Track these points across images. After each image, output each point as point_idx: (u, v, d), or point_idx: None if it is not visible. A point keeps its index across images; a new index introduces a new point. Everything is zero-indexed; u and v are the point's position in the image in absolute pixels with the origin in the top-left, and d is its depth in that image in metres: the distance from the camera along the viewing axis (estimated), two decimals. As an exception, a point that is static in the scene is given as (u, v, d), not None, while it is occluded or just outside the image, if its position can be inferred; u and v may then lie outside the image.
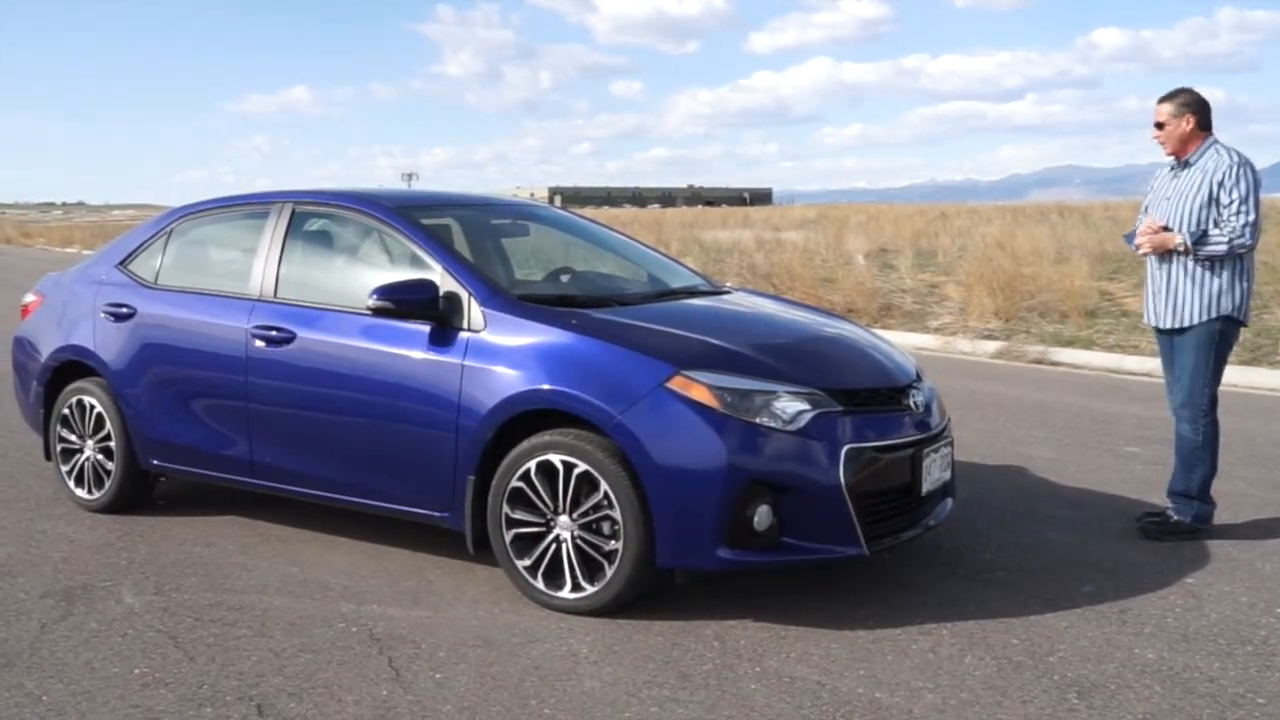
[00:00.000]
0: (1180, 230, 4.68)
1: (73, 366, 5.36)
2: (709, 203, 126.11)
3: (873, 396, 4.08)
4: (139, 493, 5.32)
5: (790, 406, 3.83)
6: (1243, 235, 4.56)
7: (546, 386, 3.96)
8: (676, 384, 3.80)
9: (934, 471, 4.18)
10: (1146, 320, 4.95)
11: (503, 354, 4.09)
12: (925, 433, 4.15)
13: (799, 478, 3.78)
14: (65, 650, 3.70)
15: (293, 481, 4.72)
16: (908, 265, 15.95)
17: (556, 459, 3.91)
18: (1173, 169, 4.87)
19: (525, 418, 4.02)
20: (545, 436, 3.96)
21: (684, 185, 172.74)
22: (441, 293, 4.25)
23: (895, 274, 15.44)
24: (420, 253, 4.43)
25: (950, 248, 18.36)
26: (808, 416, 3.83)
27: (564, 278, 5.16)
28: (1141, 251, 4.86)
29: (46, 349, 5.48)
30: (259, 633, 3.84)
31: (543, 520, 3.99)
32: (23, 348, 5.70)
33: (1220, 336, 4.73)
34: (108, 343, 5.21)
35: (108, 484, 5.27)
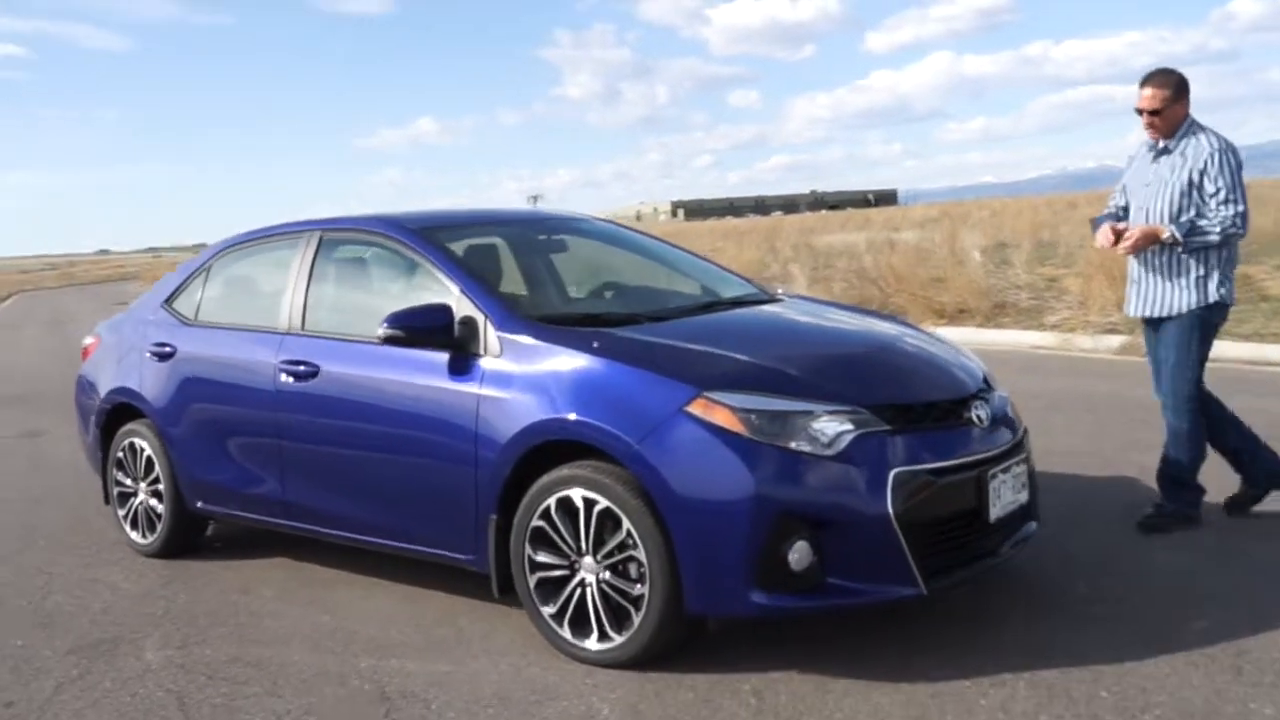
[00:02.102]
0: (1161, 218, 4.44)
1: (124, 408, 5.28)
2: (832, 207, 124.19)
3: (927, 412, 3.62)
4: (190, 536, 5.20)
5: (830, 427, 3.41)
6: (1234, 225, 4.36)
7: (562, 415, 3.64)
8: (697, 407, 3.42)
9: (1005, 494, 3.69)
10: (1131, 311, 4.69)
11: (519, 381, 3.78)
12: (992, 450, 3.66)
13: (841, 509, 3.35)
14: (71, 713, 3.53)
15: (323, 523, 4.51)
16: (1026, 259, 15.11)
17: (577, 495, 3.58)
18: (1152, 151, 4.59)
19: (545, 450, 3.69)
20: (565, 470, 3.62)
21: (807, 191, 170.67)
22: (459, 318, 3.97)
23: (1013, 270, 14.63)
24: (439, 276, 4.16)
25: (1072, 239, 17.35)
26: (849, 438, 3.40)
27: (608, 294, 4.84)
28: (1123, 251, 4.53)
29: (102, 390, 5.43)
30: (269, 691, 3.61)
31: (566, 563, 3.65)
32: (83, 389, 5.66)
33: (1207, 323, 4.55)
34: (153, 383, 5.11)
35: (159, 528, 5.17)
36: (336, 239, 4.68)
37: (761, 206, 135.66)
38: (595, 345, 3.72)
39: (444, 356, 3.95)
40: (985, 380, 3.99)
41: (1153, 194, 4.55)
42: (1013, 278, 13.96)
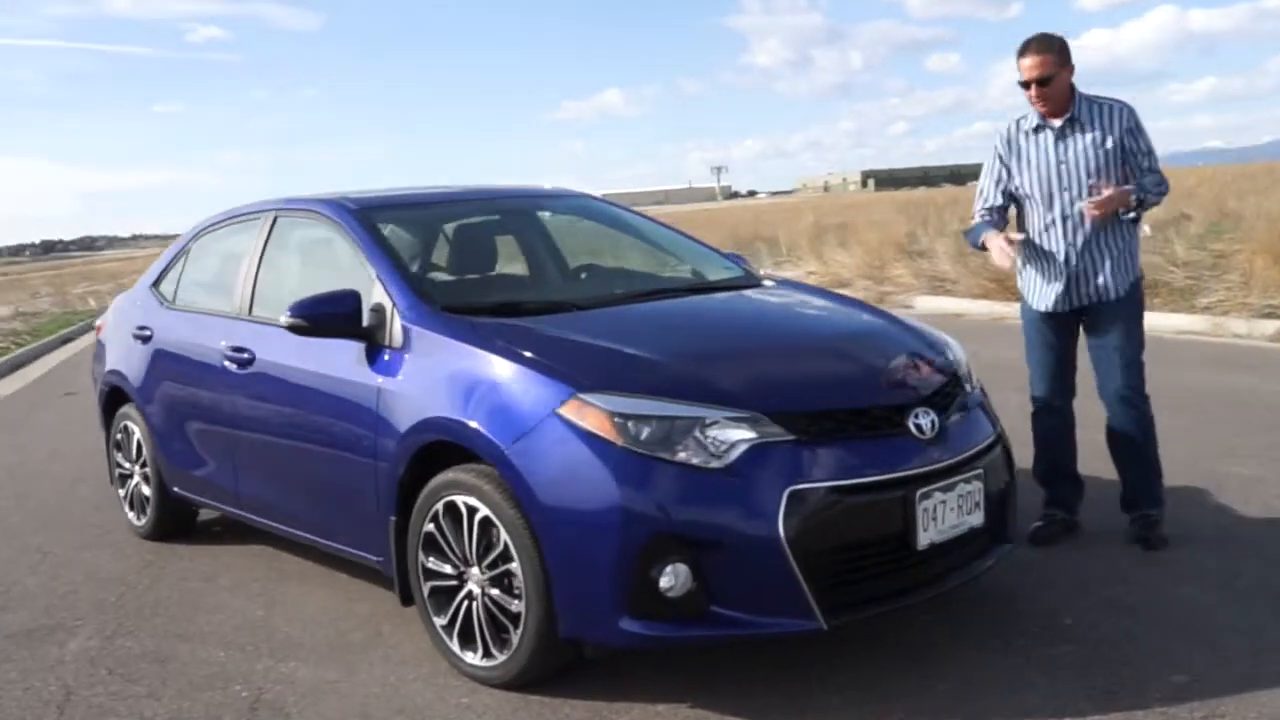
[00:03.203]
0: (1086, 195, 3.95)
1: (118, 390, 5.29)
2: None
3: (852, 420, 3.12)
4: (178, 520, 5.15)
5: (723, 436, 2.97)
6: (1165, 183, 4.02)
7: (445, 414, 3.33)
8: (570, 410, 3.04)
9: (945, 516, 3.15)
10: (1066, 304, 4.10)
11: (414, 374, 3.50)
12: (926, 466, 3.13)
13: (724, 530, 2.91)
14: (-40, 703, 3.49)
15: (267, 515, 4.37)
16: (1200, 233, 13.73)
17: (460, 500, 3.27)
18: (1042, 129, 4.05)
19: (437, 450, 3.39)
20: (450, 474, 3.32)
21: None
22: (371, 305, 3.70)
23: (1181, 245, 13.29)
24: (364, 260, 3.90)
25: (1259, 209, 15.68)
26: (742, 449, 2.96)
27: (550, 277, 4.49)
28: (1095, 215, 3.93)
29: (100, 373, 5.46)
30: (151, 693, 3.46)
31: (456, 573, 3.35)
32: (93, 371, 5.72)
33: (1143, 297, 4.20)
34: (136, 366, 5.09)
35: (148, 511, 5.16)
36: (288, 220, 4.50)
37: (957, 176, 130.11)
38: (485, 337, 3.39)
39: (356, 346, 3.70)
40: (947, 385, 3.44)
41: (1075, 172, 3.99)
42: (1176, 254, 12.69)
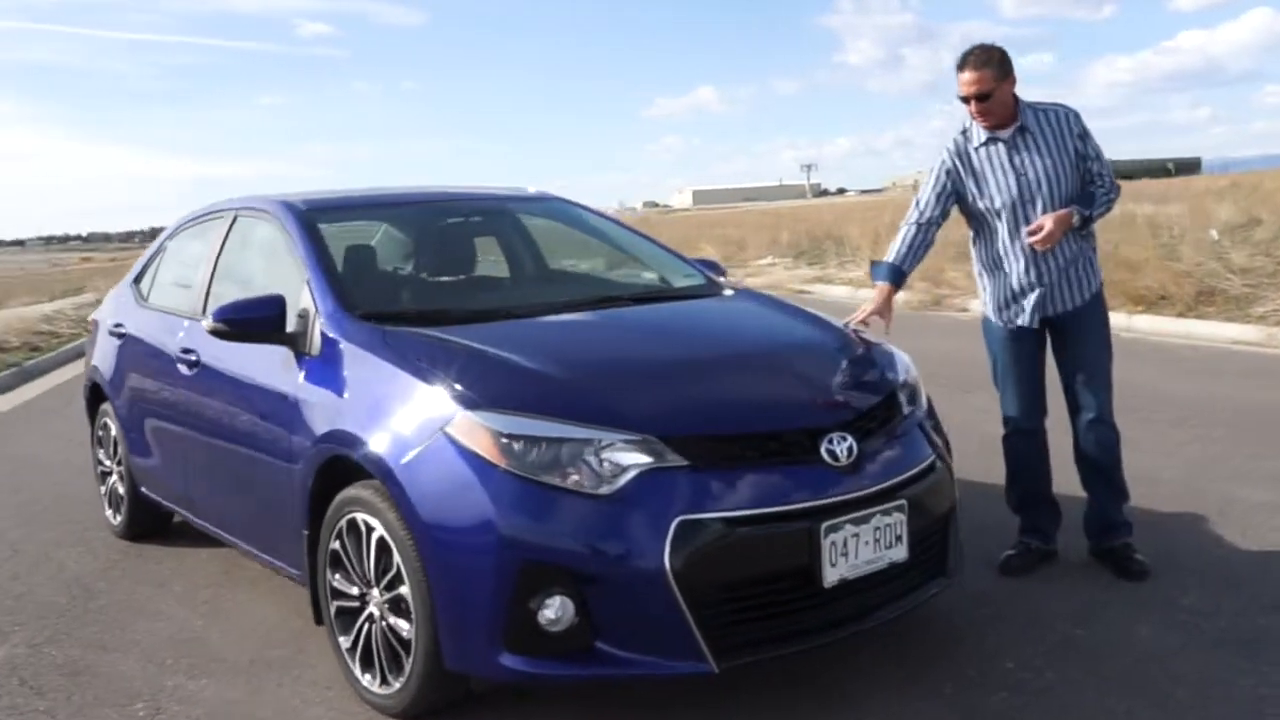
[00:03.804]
0: (1062, 204, 3.76)
1: (98, 387, 5.28)
2: (1126, 176, 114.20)
3: (759, 445, 2.92)
4: (152, 520, 5.11)
5: (618, 459, 2.80)
6: (1116, 188, 3.85)
7: (344, 427, 3.21)
8: (457, 428, 2.89)
9: (859, 551, 2.93)
10: (1032, 319, 3.86)
11: (326, 383, 3.38)
12: (836, 496, 2.91)
13: (606, 561, 2.73)
14: (-126, 710, 3.47)
15: (211, 521, 4.30)
16: (1268, 238, 13.05)
17: (360, 518, 3.14)
18: (990, 142, 3.83)
19: (341, 464, 3.26)
20: (351, 490, 3.19)
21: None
22: (299, 310, 3.60)
23: (1243, 251, 12.67)
24: (301, 263, 3.79)
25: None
26: (631, 474, 2.78)
27: (485, 284, 4.36)
28: (1043, 247, 3.73)
29: (86, 367, 5.46)
30: (50, 708, 3.39)
31: (359, 593, 3.23)
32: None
33: (1106, 307, 4.00)
34: (110, 363, 5.08)
35: (122, 510, 5.14)
36: (246, 220, 4.42)
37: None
38: (393, 347, 3.26)
39: (283, 351, 3.60)
40: (878, 407, 3.21)
41: (1031, 184, 3.78)
42: (1234, 260, 12.10)
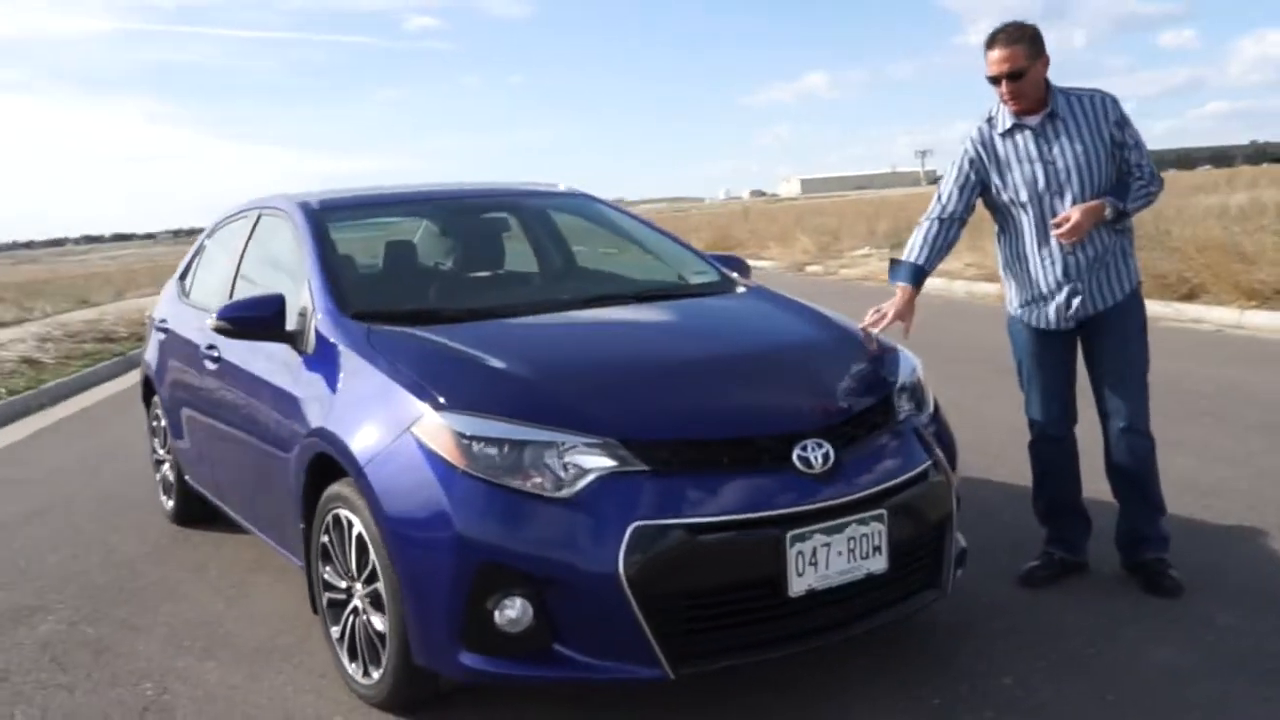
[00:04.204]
0: (1093, 194, 3.54)
1: (148, 379, 5.48)
2: (1276, 159, 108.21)
3: (728, 451, 2.85)
4: (199, 507, 5.26)
5: (580, 462, 2.77)
6: (1156, 180, 3.61)
7: (324, 424, 3.25)
8: (423, 428, 2.89)
9: (831, 561, 2.82)
10: (1051, 322, 3.68)
11: (317, 381, 3.43)
12: (805, 504, 2.81)
13: (562, 565, 2.70)
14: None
15: (237, 511, 4.42)
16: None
17: (343, 514, 3.17)
18: (1018, 129, 3.61)
19: (327, 461, 3.29)
20: (335, 486, 3.23)
21: (1245, 142, 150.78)
22: (299, 309, 3.66)
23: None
24: (306, 261, 3.86)
25: None
26: (591, 478, 2.75)
27: (530, 278, 4.41)
28: (1070, 241, 3.53)
29: (142, 359, 5.67)
30: (70, 684, 3.55)
31: (345, 586, 3.26)
32: None
33: (1144, 305, 3.74)
34: (156, 357, 5.27)
35: (173, 496, 5.33)
36: (268, 219, 4.51)
37: (1186, 160, 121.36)
38: (374, 347, 3.28)
39: (283, 349, 3.67)
40: (867, 412, 3.11)
41: (1060, 174, 3.56)
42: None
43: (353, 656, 3.23)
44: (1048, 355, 3.74)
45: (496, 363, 3.09)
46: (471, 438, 2.81)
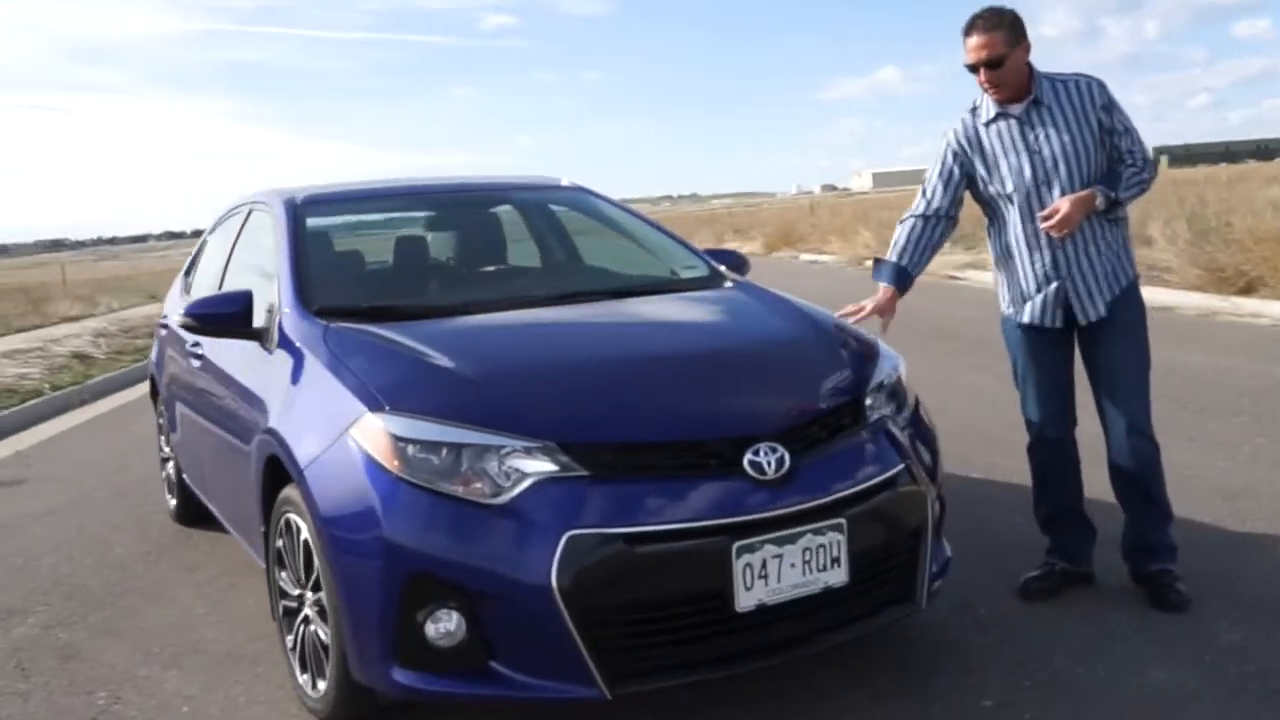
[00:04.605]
0: (1083, 184, 3.33)
1: (153, 379, 5.46)
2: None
3: (669, 454, 2.68)
4: (200, 506, 5.21)
5: (518, 467, 2.62)
6: (1149, 167, 3.38)
7: (274, 425, 3.14)
8: (359, 430, 2.77)
9: (783, 574, 2.64)
10: (1042, 319, 3.46)
11: (275, 380, 3.33)
12: (754, 513, 2.63)
13: (494, 576, 2.56)
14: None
15: (217, 510, 4.35)
16: None
17: (292, 518, 3.07)
18: (1002, 119, 3.41)
19: (279, 463, 3.19)
20: (287, 490, 3.12)
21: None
22: (269, 305, 3.57)
23: None
24: (279, 256, 3.76)
25: None
26: (526, 484, 2.60)
27: (501, 274, 4.25)
28: (1059, 234, 3.31)
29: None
30: (26, 692, 3.50)
31: (297, 594, 3.16)
32: None
33: (1143, 300, 3.50)
34: (157, 358, 5.24)
35: (175, 495, 5.30)
36: (257, 215, 4.42)
37: (1264, 150, 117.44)
38: (327, 344, 3.16)
39: (252, 347, 3.58)
40: (832, 414, 2.92)
41: (1047, 163, 3.36)
42: None
43: (304, 667, 3.13)
44: (1042, 353, 3.52)
45: (445, 362, 2.95)
46: (407, 440, 2.68)
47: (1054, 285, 3.39)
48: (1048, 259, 3.38)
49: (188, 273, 5.38)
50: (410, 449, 2.67)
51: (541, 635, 2.54)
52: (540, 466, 2.62)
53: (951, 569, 3.24)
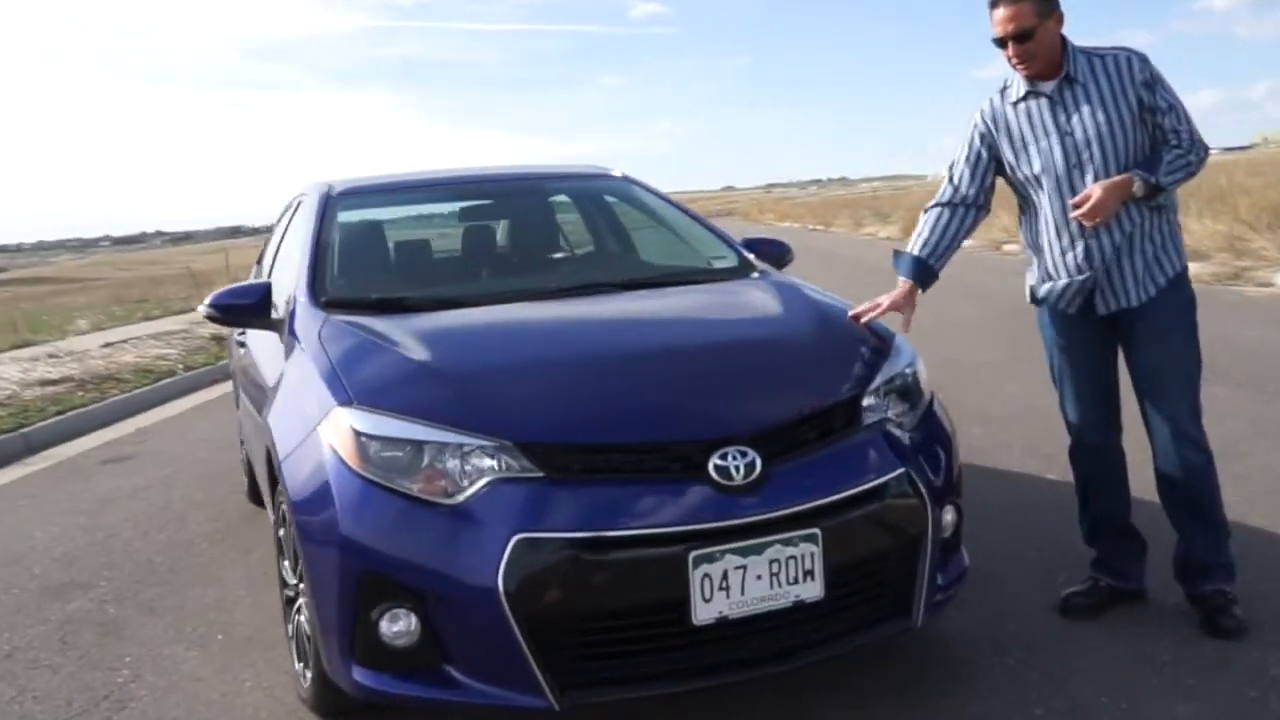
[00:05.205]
0: (1120, 168, 3.02)
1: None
2: None
3: (631, 456, 2.56)
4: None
5: (480, 465, 2.55)
6: (1197, 148, 3.04)
7: (267, 417, 3.16)
8: (327, 424, 2.74)
9: (748, 586, 2.49)
10: (1076, 310, 3.18)
11: (281, 370, 3.36)
12: (716, 521, 2.48)
13: (443, 577, 2.49)
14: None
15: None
16: None
17: (285, 508, 3.08)
18: (1032, 98, 3.13)
19: None
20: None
21: None
22: (287, 295, 3.61)
23: None
24: (303, 246, 3.80)
25: None
26: (480, 484, 2.52)
27: (516, 265, 4.19)
28: (1091, 222, 2.99)
29: None
30: (59, 665, 3.63)
31: (295, 583, 3.17)
32: None
33: (1193, 294, 3.15)
34: (231, 340, 5.36)
35: (247, 474, 5.45)
36: (304, 203, 4.47)
37: None
38: (322, 335, 3.16)
39: (274, 336, 3.63)
40: (821, 415, 2.74)
41: (1079, 145, 3.07)
42: None
43: (299, 657, 3.14)
44: (1079, 350, 3.24)
45: (423, 356, 2.89)
46: (370, 436, 2.64)
47: (1083, 278, 3.11)
48: (1079, 250, 3.10)
49: (259, 261, 5.51)
50: (373, 445, 2.62)
51: (489, 640, 2.47)
52: (496, 466, 2.54)
53: (983, 579, 3.03)
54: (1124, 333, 3.17)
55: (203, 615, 3.98)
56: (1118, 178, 2.98)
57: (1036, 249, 3.23)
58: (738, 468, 2.53)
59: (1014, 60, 3.09)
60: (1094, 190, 2.97)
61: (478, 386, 2.75)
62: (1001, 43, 3.09)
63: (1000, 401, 6.05)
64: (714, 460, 2.54)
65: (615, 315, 3.36)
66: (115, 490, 6.11)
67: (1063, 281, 3.14)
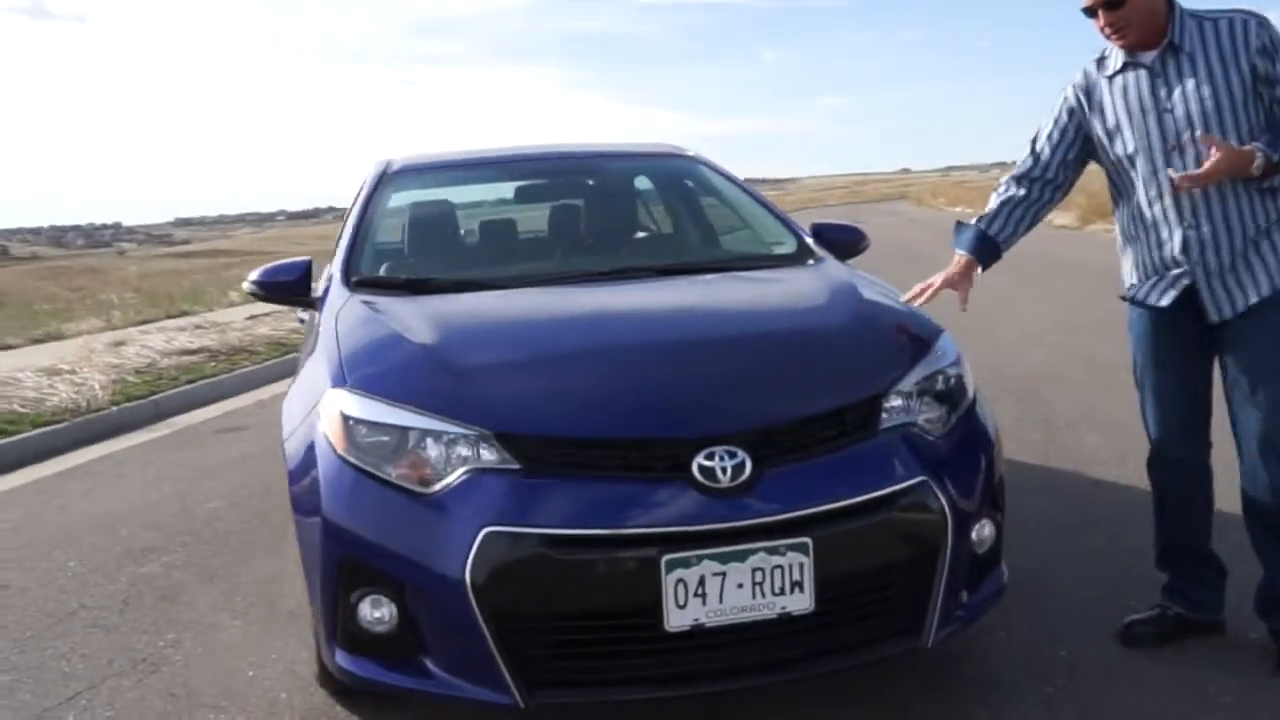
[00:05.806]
0: (1208, 150, 2.60)
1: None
2: None
3: (613, 452, 2.44)
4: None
5: (461, 454, 2.48)
6: None
7: (287, 400, 3.16)
8: (322, 406, 2.71)
9: (727, 594, 2.33)
10: (1169, 305, 2.85)
11: (307, 349, 3.37)
12: (694, 524, 2.33)
13: (416, 567, 2.43)
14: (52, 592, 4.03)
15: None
16: None
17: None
18: (1130, 69, 2.81)
19: None
20: (302, 460, 3.15)
21: None
22: (326, 273, 3.63)
23: None
24: (347, 223, 3.82)
25: None
26: (458, 473, 2.45)
27: (556, 248, 4.07)
28: (1186, 189, 2.67)
29: None
30: (115, 626, 3.75)
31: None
32: None
33: None
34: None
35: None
36: (368, 180, 4.50)
37: None
38: (341, 316, 3.15)
39: (315, 315, 3.66)
40: (833, 415, 2.56)
41: (1179, 123, 2.74)
42: None
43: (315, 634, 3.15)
44: (1166, 351, 2.93)
45: (425, 340, 2.84)
46: (357, 420, 2.60)
47: (1179, 270, 2.80)
48: (1176, 241, 2.79)
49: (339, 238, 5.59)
50: (360, 429, 2.59)
51: (458, 633, 2.40)
52: (475, 456, 2.47)
53: (1046, 594, 2.79)
54: (1220, 334, 2.84)
55: (255, 587, 4.05)
56: (1242, 148, 2.63)
57: (1130, 238, 2.93)
58: (724, 469, 2.38)
59: (1106, 29, 2.78)
60: (1213, 154, 2.60)
61: (469, 374, 2.68)
62: (1091, 11, 2.78)
63: (1125, 406, 5.65)
64: (699, 460, 2.39)
65: (635, 305, 3.24)
66: (221, 459, 6.32)
67: (1155, 276, 2.86)
